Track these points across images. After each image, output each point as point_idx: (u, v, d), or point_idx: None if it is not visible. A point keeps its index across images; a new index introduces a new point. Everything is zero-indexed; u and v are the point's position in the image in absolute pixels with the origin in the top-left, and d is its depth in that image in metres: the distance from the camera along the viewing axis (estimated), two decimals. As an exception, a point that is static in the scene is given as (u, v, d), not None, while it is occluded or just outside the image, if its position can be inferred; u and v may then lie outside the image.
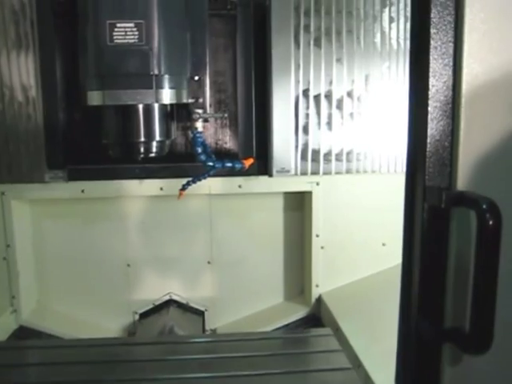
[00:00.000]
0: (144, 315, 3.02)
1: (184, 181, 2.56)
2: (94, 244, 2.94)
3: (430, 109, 0.95)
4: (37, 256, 2.95)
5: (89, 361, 2.19)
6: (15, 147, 2.64)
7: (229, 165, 2.34)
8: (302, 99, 2.66)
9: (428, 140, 0.95)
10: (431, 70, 0.94)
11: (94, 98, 2.05)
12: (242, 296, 3.04)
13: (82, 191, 2.72)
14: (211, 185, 2.73)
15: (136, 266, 2.99)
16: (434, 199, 0.96)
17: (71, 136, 2.59)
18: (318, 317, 2.89)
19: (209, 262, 3.00)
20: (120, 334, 3.00)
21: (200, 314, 3.05)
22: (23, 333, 2.81)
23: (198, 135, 2.20)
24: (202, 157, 2.21)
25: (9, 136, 2.63)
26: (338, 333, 2.43)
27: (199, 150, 2.20)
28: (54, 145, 2.57)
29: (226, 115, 2.36)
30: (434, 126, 0.95)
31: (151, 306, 3.02)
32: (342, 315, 2.59)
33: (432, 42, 0.94)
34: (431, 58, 0.94)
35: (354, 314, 2.62)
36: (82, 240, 2.94)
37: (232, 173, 2.57)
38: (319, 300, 2.89)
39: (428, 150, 0.96)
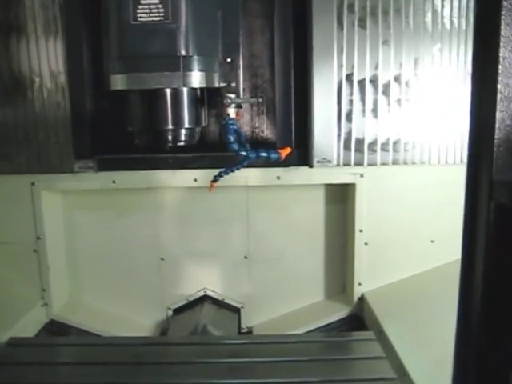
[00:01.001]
0: (177, 311, 2.92)
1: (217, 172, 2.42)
2: (127, 236, 2.85)
3: (499, 86, 0.76)
4: (68, 248, 2.88)
5: (115, 361, 2.10)
6: (44, 136, 2.56)
7: (264, 155, 2.17)
8: (345, 84, 2.47)
9: (496, 125, 0.77)
10: (502, 37, 0.76)
11: (118, 82, 1.91)
12: (280, 293, 2.89)
13: (113, 182, 2.62)
14: (248, 176, 2.58)
15: (170, 259, 2.88)
16: (503, 196, 0.78)
17: (99, 124, 2.48)
18: (360, 317, 2.71)
19: (245, 257, 2.86)
20: (152, 330, 2.89)
21: (236, 311, 2.92)
22: (54, 327, 2.74)
23: (230, 122, 2.04)
24: (235, 146, 2.05)
25: (38, 125, 2.55)
26: (381, 336, 2.25)
27: (231, 138, 2.04)
28: (81, 134, 2.47)
29: (260, 100, 2.18)
30: (505, 107, 0.77)
31: (185, 302, 2.91)
32: (386, 317, 2.41)
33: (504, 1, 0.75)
34: (502, 22, 0.75)
35: (399, 315, 2.43)
36: (114, 232, 2.85)
37: (270, 163, 2.41)
38: (362, 299, 2.71)
39: (496, 136, 0.77)
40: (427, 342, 2.10)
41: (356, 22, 2.43)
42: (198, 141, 2.37)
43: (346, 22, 2.42)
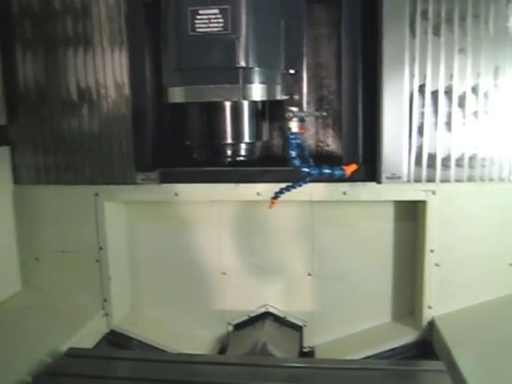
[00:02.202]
0: (238, 326, 2.86)
1: (282, 186, 2.33)
2: (189, 249, 2.82)
3: None
4: (130, 259, 2.89)
5: (169, 379, 2.05)
6: (108, 147, 2.57)
7: (327, 171, 2.05)
8: (417, 96, 2.32)
9: None
10: None
11: (175, 94, 1.85)
12: (344, 312, 2.77)
13: (176, 194, 2.59)
14: (312, 191, 2.48)
15: (231, 274, 2.83)
16: None
17: (161, 137, 2.45)
18: (429, 342, 2.54)
19: (309, 274, 2.76)
20: (212, 344, 2.85)
21: (298, 329, 2.83)
22: (114, 337, 2.75)
23: (291, 136, 1.94)
24: (296, 162, 1.95)
25: (102, 136, 2.57)
26: (452, 368, 2.07)
27: (293, 153, 1.94)
28: (142, 146, 2.45)
29: (324, 114, 2.07)
30: None
31: (246, 318, 2.85)
32: (459, 346, 2.23)
33: None
34: None
35: (473, 345, 2.24)
36: (176, 244, 2.83)
37: (336, 178, 2.29)
38: (432, 324, 2.53)
39: None
40: (505, 379, 1.92)
41: (430, 30, 2.27)
42: (261, 155, 2.30)
43: (419, 29, 2.27)
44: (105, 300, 2.74)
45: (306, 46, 2.05)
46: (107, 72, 2.51)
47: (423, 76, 2.30)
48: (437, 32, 2.27)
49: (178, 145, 2.18)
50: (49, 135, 2.62)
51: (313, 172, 1.99)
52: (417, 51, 2.29)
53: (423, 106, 2.33)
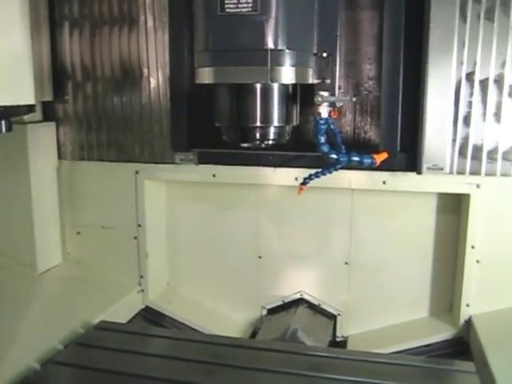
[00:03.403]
0: (272, 311, 2.86)
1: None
2: (226, 230, 2.83)
3: None
4: (168, 238, 2.93)
5: (195, 359, 2.07)
6: (148, 126, 2.61)
7: (355, 159, 1.98)
8: (464, 84, 2.21)
9: None
10: None
11: (203, 75, 1.83)
12: (380, 304, 2.71)
13: (214, 175, 2.60)
14: (351, 178, 2.43)
15: (267, 258, 2.82)
16: None
17: (197, 117, 2.45)
18: (465, 341, 2.45)
19: (346, 263, 2.72)
20: (245, 327, 2.87)
21: (331, 317, 2.79)
22: (148, 314, 2.82)
23: (320, 122, 1.88)
24: (324, 148, 1.89)
25: (143, 115, 2.61)
26: (484, 369, 1.99)
27: (321, 139, 1.88)
28: (179, 126, 2.46)
29: (354, 99, 1.99)
30: None
31: (280, 303, 2.84)
32: (494, 347, 2.14)
33: None
34: None
35: (509, 348, 2.15)
36: (213, 225, 2.84)
37: (377, 166, 2.21)
38: (469, 322, 2.44)
39: None
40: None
41: (482, 14, 2.15)
42: (298, 139, 2.26)
43: (471, 13, 2.15)
44: (141, 276, 2.80)
45: (346, 30, 1.99)
46: (150, 52, 2.54)
47: (472, 63, 2.19)
48: (490, 16, 2.15)
49: (214, 126, 2.16)
50: (92, 113, 2.69)
51: (341, 159, 1.94)
52: (467, 37, 2.18)
53: (471, 95, 2.22)
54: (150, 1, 2.49)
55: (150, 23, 2.51)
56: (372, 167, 2.07)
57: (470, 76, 2.20)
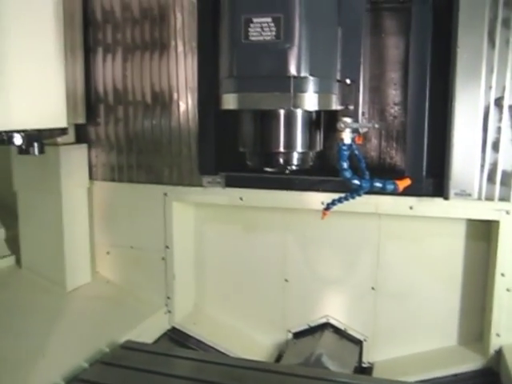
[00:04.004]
0: (297, 335, 2.84)
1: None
2: (253, 253, 2.84)
3: None
4: (196, 259, 2.95)
5: (219, 382, 2.07)
6: (177, 149, 2.67)
7: (378, 185, 1.97)
8: (493, 109, 2.18)
9: None
10: None
11: (228, 101, 1.85)
12: (408, 330, 2.66)
13: (241, 199, 2.62)
14: (378, 203, 2.41)
15: (294, 281, 2.81)
16: None
17: (224, 141, 2.48)
18: (495, 372, 2.38)
19: (373, 288, 2.68)
20: (270, 350, 2.85)
21: (357, 343, 2.75)
22: (174, 334, 2.83)
23: (343, 148, 1.88)
24: (347, 174, 1.89)
25: (172, 138, 2.66)
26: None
27: (344, 165, 1.88)
28: (206, 150, 2.49)
29: (376, 126, 1.98)
30: None
31: (306, 327, 2.82)
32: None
33: None
34: None
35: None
36: (240, 248, 2.85)
37: (402, 192, 2.19)
38: (499, 353, 2.37)
39: None
40: None
41: (511, 39, 2.13)
42: (324, 164, 2.26)
43: (499, 38, 2.13)
44: (168, 297, 2.83)
45: (371, 55, 1.99)
46: (180, 76, 2.60)
47: (501, 88, 2.17)
48: (519, 42, 2.13)
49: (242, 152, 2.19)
50: (123, 135, 2.77)
51: (364, 185, 1.93)
52: (495, 61, 2.15)
53: (500, 120, 2.19)
54: (181, 27, 2.56)
55: (180, 48, 2.58)
56: (395, 193, 2.05)
57: (498, 101, 2.18)
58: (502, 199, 2.24)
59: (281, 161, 1.92)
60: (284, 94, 1.74)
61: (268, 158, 1.94)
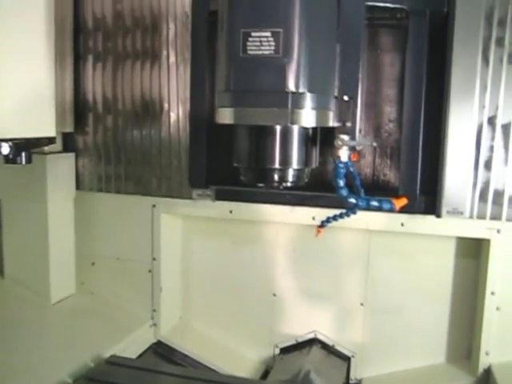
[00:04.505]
0: (285, 350, 2.80)
1: (337, 212, 2.26)
2: (241, 267, 2.81)
3: None
4: (183, 272, 2.92)
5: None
6: (167, 161, 2.63)
7: (375, 204, 1.96)
8: (486, 128, 2.18)
9: None
10: None
11: (224, 115, 1.82)
12: (396, 347, 2.64)
13: (230, 212, 2.59)
14: (369, 220, 2.39)
15: (282, 296, 2.78)
16: None
17: (216, 154, 2.45)
18: (484, 391, 2.38)
19: (361, 304, 2.66)
20: (256, 365, 2.81)
21: (345, 359, 2.72)
22: (160, 348, 2.79)
23: (340, 165, 1.87)
24: (343, 192, 1.87)
25: (162, 149, 2.62)
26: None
27: (340, 182, 1.86)
28: (197, 163, 2.46)
29: (374, 144, 1.97)
30: None
31: (293, 342, 2.79)
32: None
33: None
34: None
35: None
36: (228, 261, 2.82)
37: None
38: (488, 371, 2.37)
39: None
40: None
41: (505, 58, 2.13)
42: (317, 179, 2.24)
43: (493, 57, 2.13)
44: (154, 310, 2.78)
45: (367, 72, 1.98)
46: (171, 87, 2.57)
47: (494, 107, 2.16)
48: (513, 60, 2.13)
49: (232, 163, 2.16)
50: (112, 145, 2.72)
51: (360, 203, 1.91)
52: (489, 80, 2.15)
53: (493, 138, 2.19)
54: (173, 37, 2.53)
55: (172, 59, 2.55)
56: (392, 211, 2.04)
57: (491, 120, 2.17)
58: (493, 218, 2.23)
59: (276, 177, 1.89)
60: (282, 109, 1.71)
61: (262, 174, 1.91)
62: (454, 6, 2.09)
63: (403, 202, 2.05)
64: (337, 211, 2.28)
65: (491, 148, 2.19)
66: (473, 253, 2.48)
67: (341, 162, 1.86)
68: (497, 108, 2.16)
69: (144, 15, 2.57)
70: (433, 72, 2.17)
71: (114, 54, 2.65)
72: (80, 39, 2.70)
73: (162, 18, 2.54)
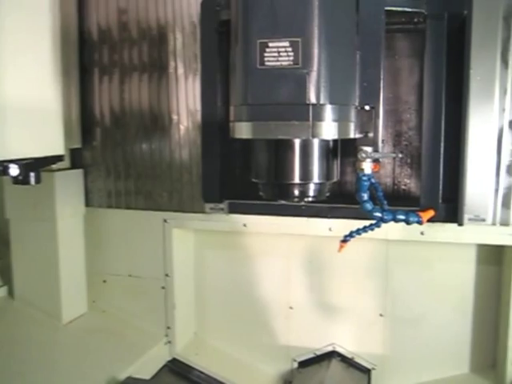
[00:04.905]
0: (303, 364, 2.75)
1: (355, 223, 2.17)
2: (256, 280, 2.75)
3: None
4: (196, 287, 2.86)
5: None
6: (178, 174, 2.57)
7: (401, 217, 1.88)
8: (507, 132, 2.10)
9: None
10: None
11: (242, 130, 1.75)
12: (417, 358, 2.59)
13: (244, 225, 2.52)
14: (388, 229, 2.30)
15: (299, 309, 2.72)
16: None
17: (229, 168, 2.39)
18: (512, 403, 2.31)
19: (381, 315, 2.60)
20: (275, 380, 2.76)
21: (365, 371, 2.67)
22: (175, 366, 2.73)
23: (363, 178, 1.79)
24: (368, 206, 1.80)
25: (173, 163, 2.56)
26: None
27: (364, 196, 1.79)
28: (210, 177, 2.38)
29: (400, 155, 1.88)
30: None
31: (312, 356, 2.73)
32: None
33: None
34: None
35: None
36: (243, 275, 2.76)
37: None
38: (516, 382, 2.31)
39: None
40: None
41: (525, 60, 2.07)
42: (333, 190, 2.17)
43: (512, 58, 2.07)
44: (168, 327, 2.72)
45: (385, 78, 1.91)
46: (180, 99, 2.51)
47: (515, 110, 2.10)
48: (533, 62, 2.06)
49: (246, 178, 2.09)
50: (121, 160, 2.66)
51: (386, 217, 1.84)
52: (509, 83, 2.08)
53: (515, 143, 2.12)
54: (181, 47, 2.48)
55: (181, 70, 2.49)
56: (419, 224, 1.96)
57: (512, 123, 2.11)
58: (516, 224, 2.17)
59: (296, 192, 1.82)
60: (302, 122, 1.64)
61: (283, 189, 1.84)
62: (470, 7, 2.02)
63: (430, 214, 1.97)
64: (355, 222, 2.20)
65: (513, 152, 2.13)
66: (494, 259, 2.43)
67: (364, 175, 1.79)
68: (517, 111, 2.09)
69: (150, 26, 2.52)
70: (452, 77, 2.11)
71: (120, 67, 2.59)
72: (85, 52, 2.65)
73: (168, 28, 2.49)
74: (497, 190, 2.15)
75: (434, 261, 2.50)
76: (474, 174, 2.14)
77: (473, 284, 2.48)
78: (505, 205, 2.15)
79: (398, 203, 2.08)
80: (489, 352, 2.49)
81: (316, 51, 1.62)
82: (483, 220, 2.17)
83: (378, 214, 1.82)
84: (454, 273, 2.48)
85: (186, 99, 2.49)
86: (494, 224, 2.18)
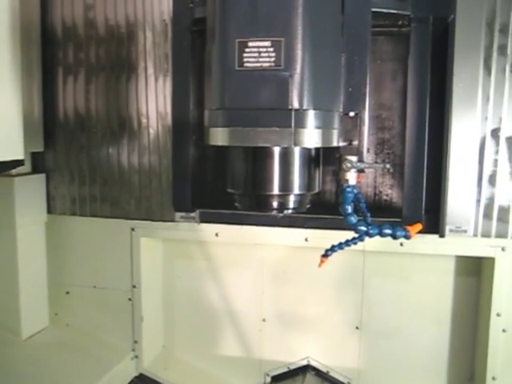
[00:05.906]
0: (276, 378, 2.65)
1: (333, 234, 2.07)
2: (228, 292, 2.65)
3: None
4: (165, 299, 2.74)
5: None
6: (147, 181, 2.43)
7: (387, 232, 1.78)
8: (489, 141, 2.05)
9: None
10: None
11: (218, 136, 1.62)
12: (394, 372, 2.52)
13: (216, 235, 2.41)
14: (366, 239, 2.22)
15: (272, 321, 2.62)
16: None
17: (201, 175, 2.27)
18: (491, 419, 2.25)
19: (357, 328, 2.53)
20: (247, 396, 2.64)
21: (341, 386, 2.58)
22: (143, 381, 2.61)
23: (348, 189, 1.70)
24: (352, 219, 1.69)
25: (141, 168, 2.42)
26: None
27: (349, 209, 1.68)
28: (181, 185, 2.26)
29: (388, 166, 1.78)
30: None
31: (285, 370, 2.64)
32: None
33: None
34: None
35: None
36: (214, 286, 2.66)
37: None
38: (495, 398, 2.25)
39: None
40: None
41: (508, 67, 2.01)
42: (311, 199, 2.09)
43: (495, 66, 2.01)
44: (135, 341, 2.60)
45: (369, 84, 1.82)
46: (150, 101, 2.37)
47: (498, 119, 2.04)
48: (516, 69, 2.01)
49: (219, 186, 1.98)
50: (86, 165, 2.51)
51: (371, 232, 1.74)
52: (491, 91, 2.02)
53: (496, 152, 2.06)
54: (151, 47, 2.34)
55: (151, 70, 2.35)
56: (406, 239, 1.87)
57: (495, 132, 2.05)
58: (498, 236, 2.11)
59: (275, 204, 1.71)
60: (283, 129, 1.53)
61: (261, 200, 1.73)
62: (454, 11, 1.96)
63: (418, 228, 1.88)
64: (332, 232, 2.10)
65: (495, 162, 2.07)
66: (473, 271, 2.38)
67: (348, 186, 1.69)
68: (500, 120, 2.04)
69: (119, 24, 2.37)
70: (436, 83, 2.03)
71: (86, 66, 2.43)
72: (48, 50, 2.49)
73: (138, 26, 2.35)
74: (479, 201, 2.10)
75: (411, 272, 2.43)
76: (456, 184, 2.08)
77: (451, 296, 2.42)
78: (486, 216, 2.10)
79: (379, 214, 2.00)
80: (467, 365, 2.44)
81: (300, 52, 1.51)
82: (465, 231, 2.12)
83: (363, 228, 1.73)
84: (432, 284, 2.42)
85: (156, 101, 2.35)
86: (475, 235, 2.12)
